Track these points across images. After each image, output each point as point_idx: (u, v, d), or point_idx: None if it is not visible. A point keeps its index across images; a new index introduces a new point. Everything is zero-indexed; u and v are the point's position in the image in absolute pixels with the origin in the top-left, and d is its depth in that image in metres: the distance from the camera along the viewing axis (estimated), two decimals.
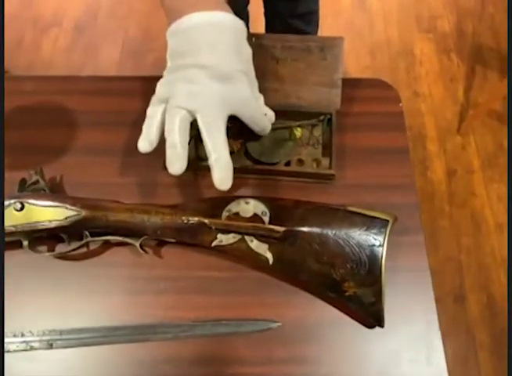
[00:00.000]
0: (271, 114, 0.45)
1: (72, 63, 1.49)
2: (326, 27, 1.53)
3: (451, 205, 1.26)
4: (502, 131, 1.35)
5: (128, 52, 1.50)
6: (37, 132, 0.52)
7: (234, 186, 0.48)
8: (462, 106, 1.41)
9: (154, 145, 0.38)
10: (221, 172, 0.37)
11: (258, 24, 1.27)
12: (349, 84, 0.53)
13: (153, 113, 0.39)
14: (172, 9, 0.38)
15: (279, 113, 0.51)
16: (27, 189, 0.44)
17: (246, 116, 0.41)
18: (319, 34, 1.05)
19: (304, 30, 0.96)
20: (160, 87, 0.40)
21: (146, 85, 0.52)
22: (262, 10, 1.02)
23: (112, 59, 1.48)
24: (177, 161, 0.37)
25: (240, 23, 0.40)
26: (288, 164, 0.49)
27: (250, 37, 0.49)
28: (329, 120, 0.50)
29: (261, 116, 0.43)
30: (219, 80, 0.38)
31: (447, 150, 1.34)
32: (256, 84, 0.43)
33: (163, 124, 0.38)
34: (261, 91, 0.51)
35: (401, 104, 0.54)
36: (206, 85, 0.37)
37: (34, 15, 1.62)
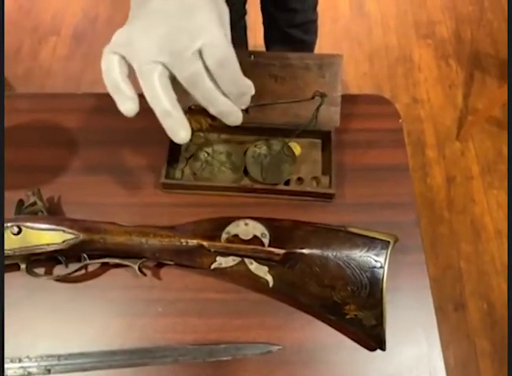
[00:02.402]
0: (250, 84, 0.33)
1: (70, 71, 1.49)
2: (325, 34, 1.53)
3: (450, 212, 1.25)
4: (502, 138, 1.35)
5: None
6: (34, 151, 0.52)
7: (233, 206, 0.48)
8: (461, 112, 1.41)
9: (137, 100, 0.32)
10: (164, 124, 0.32)
11: (257, 33, 1.27)
12: (348, 100, 0.53)
13: (109, 67, 0.31)
14: None
15: (278, 131, 0.51)
16: (24, 211, 0.44)
17: (215, 60, 0.30)
18: (318, 41, 1.05)
19: (303, 39, 0.96)
20: (116, 35, 0.32)
21: (145, 102, 0.52)
22: (260, 19, 1.02)
23: None
24: (179, 128, 0.32)
25: None
26: (287, 182, 0.49)
27: (249, 54, 0.49)
28: (328, 137, 0.50)
29: (236, 65, 0.31)
30: (182, 12, 0.30)
31: (446, 157, 1.34)
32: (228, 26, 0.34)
33: (126, 75, 0.32)
34: (258, 109, 0.51)
35: (400, 120, 0.54)
36: (172, 24, 0.30)
37: (32, 23, 1.61)
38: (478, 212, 1.24)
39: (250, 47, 1.17)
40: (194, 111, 0.35)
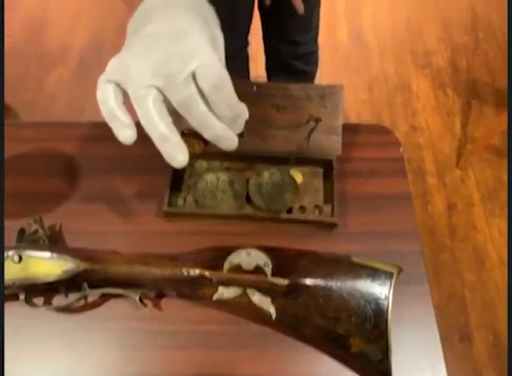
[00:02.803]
0: (244, 107, 0.33)
1: (75, 97, 1.51)
2: (324, 63, 1.57)
3: (452, 239, 1.25)
4: (501, 165, 1.36)
5: None
6: (37, 180, 0.52)
7: (235, 234, 0.48)
8: (460, 140, 1.42)
9: (134, 127, 0.32)
10: (161, 149, 0.31)
11: (258, 63, 1.30)
12: (349, 129, 0.53)
13: (105, 96, 0.31)
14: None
15: (280, 160, 0.51)
16: (25, 240, 0.44)
17: (208, 83, 0.30)
18: (318, 70, 1.07)
19: (304, 69, 0.98)
20: (111, 63, 0.32)
21: (143, 129, 0.52)
22: (261, 49, 1.05)
23: None
24: (177, 152, 0.31)
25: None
26: (290, 210, 0.49)
27: (251, 85, 0.50)
28: (330, 165, 0.50)
29: (231, 88, 0.31)
30: (174, 36, 0.31)
31: (447, 184, 1.34)
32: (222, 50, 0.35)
33: (121, 103, 0.32)
34: (260, 138, 0.51)
35: (401, 149, 0.54)
36: (165, 49, 0.30)
37: (39, 51, 1.65)
38: (481, 240, 1.24)
39: (252, 76, 1.20)
40: (187, 135, 0.34)
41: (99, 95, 0.31)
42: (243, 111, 0.33)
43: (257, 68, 1.37)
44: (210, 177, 0.51)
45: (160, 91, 0.30)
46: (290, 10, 0.77)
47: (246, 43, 0.96)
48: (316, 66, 1.03)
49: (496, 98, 1.52)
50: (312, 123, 0.47)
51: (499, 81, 1.57)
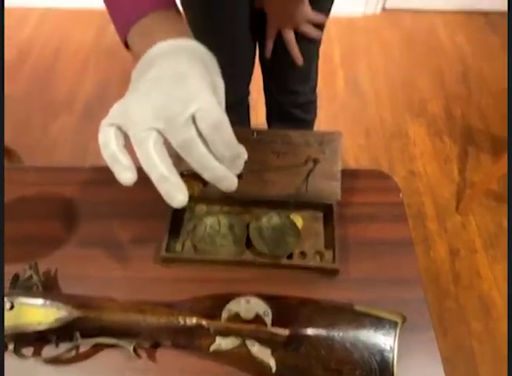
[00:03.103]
0: (242, 149, 0.34)
1: (78, 143, 1.54)
2: (322, 110, 1.61)
3: (456, 286, 1.22)
4: (501, 211, 1.36)
5: None
6: (35, 224, 0.52)
7: (234, 281, 0.47)
8: (458, 185, 1.43)
9: (135, 169, 0.32)
10: (161, 189, 0.31)
11: (258, 111, 1.34)
12: (348, 174, 0.54)
13: (106, 139, 0.32)
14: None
15: (279, 204, 0.51)
16: (19, 286, 0.43)
17: (207, 124, 0.31)
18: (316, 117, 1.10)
19: (303, 118, 1.00)
20: (113, 107, 0.33)
21: (145, 174, 0.53)
22: (261, 98, 1.08)
23: None
24: (177, 192, 0.31)
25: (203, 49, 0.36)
26: (290, 256, 0.48)
27: (252, 132, 0.51)
28: (330, 210, 0.50)
29: (229, 129, 0.32)
30: (175, 80, 0.32)
31: (448, 229, 1.33)
32: (220, 94, 0.35)
33: (122, 146, 0.32)
34: (260, 183, 0.52)
35: (401, 194, 0.54)
36: (165, 92, 0.31)
37: (46, 98, 1.71)
38: (486, 287, 1.21)
39: (252, 124, 1.23)
40: (187, 177, 0.34)
41: (101, 138, 0.32)
42: (241, 152, 0.33)
43: (258, 116, 1.41)
44: (209, 221, 0.50)
45: (160, 133, 0.31)
46: (290, 62, 0.80)
47: (247, 93, 1.00)
48: (315, 115, 1.06)
49: (492, 144, 1.55)
50: (311, 164, 0.48)
51: (494, 127, 1.60)
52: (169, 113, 0.31)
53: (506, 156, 1.14)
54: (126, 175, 0.31)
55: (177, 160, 0.32)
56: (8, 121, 1.58)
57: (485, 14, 2.09)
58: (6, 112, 1.61)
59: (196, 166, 0.32)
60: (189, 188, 0.33)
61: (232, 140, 0.32)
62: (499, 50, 1.92)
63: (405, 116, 1.66)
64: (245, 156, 0.34)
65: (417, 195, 1.41)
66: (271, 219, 0.50)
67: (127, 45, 0.39)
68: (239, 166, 0.33)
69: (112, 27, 0.40)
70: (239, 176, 0.34)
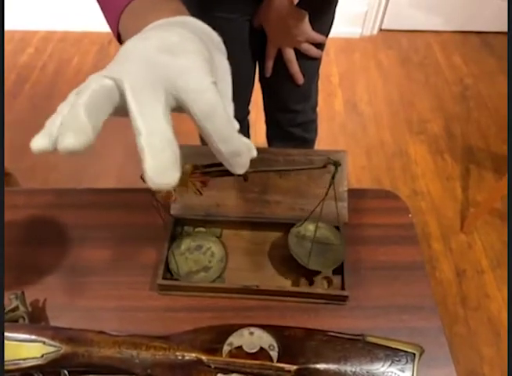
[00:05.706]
0: (246, 146, 0.28)
1: (74, 166, 1.52)
2: (322, 130, 1.60)
3: (465, 308, 1.18)
4: (506, 229, 1.33)
5: (131, 155, 1.54)
6: (24, 250, 0.49)
7: (235, 310, 0.44)
8: (462, 204, 1.41)
9: (92, 136, 0.24)
10: (156, 157, 0.23)
11: (257, 131, 1.32)
12: (354, 195, 0.51)
13: (63, 105, 0.27)
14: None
15: (283, 225, 0.49)
16: (4, 318, 0.40)
17: (198, 110, 0.25)
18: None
19: (303, 137, 0.99)
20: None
21: (141, 197, 0.50)
22: (261, 117, 1.07)
23: (115, 163, 1.52)
24: (68, 131, 0.24)
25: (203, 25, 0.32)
26: (296, 283, 0.45)
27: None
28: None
29: (223, 119, 0.26)
30: (165, 51, 0.27)
31: (453, 249, 1.30)
32: (221, 77, 0.31)
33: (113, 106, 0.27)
34: (263, 204, 0.49)
35: (410, 215, 0.52)
36: (140, 55, 0.26)
37: (42, 121, 1.69)
38: (495, 309, 1.17)
39: (252, 144, 1.22)
40: (186, 175, 0.32)
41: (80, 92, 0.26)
42: (242, 148, 0.27)
43: (257, 136, 1.40)
44: (210, 245, 0.47)
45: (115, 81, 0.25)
46: (290, 81, 0.79)
47: (247, 112, 0.99)
48: (315, 134, 1.04)
49: (493, 163, 1.54)
50: (332, 167, 0.38)
51: (494, 146, 1.59)
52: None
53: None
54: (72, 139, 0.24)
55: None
56: (5, 145, 1.57)
57: (481, 34, 2.12)
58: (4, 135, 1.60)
59: (214, 136, 0.26)
60: (189, 186, 0.32)
61: (227, 132, 0.26)
62: (495, 69, 1.93)
63: (405, 135, 1.65)
64: (253, 152, 0.29)
65: (421, 214, 1.39)
66: (313, 230, 0.46)
67: (120, 40, 0.36)
68: (240, 165, 0.28)
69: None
70: (244, 178, 0.30)
